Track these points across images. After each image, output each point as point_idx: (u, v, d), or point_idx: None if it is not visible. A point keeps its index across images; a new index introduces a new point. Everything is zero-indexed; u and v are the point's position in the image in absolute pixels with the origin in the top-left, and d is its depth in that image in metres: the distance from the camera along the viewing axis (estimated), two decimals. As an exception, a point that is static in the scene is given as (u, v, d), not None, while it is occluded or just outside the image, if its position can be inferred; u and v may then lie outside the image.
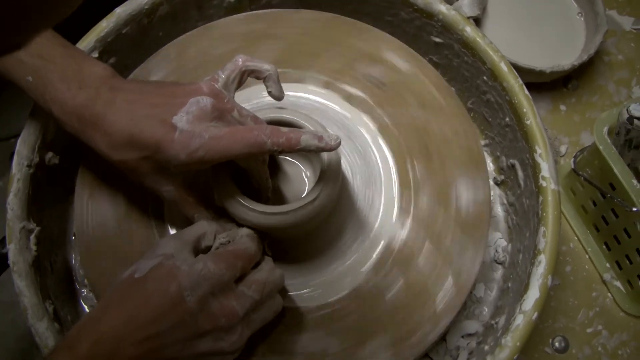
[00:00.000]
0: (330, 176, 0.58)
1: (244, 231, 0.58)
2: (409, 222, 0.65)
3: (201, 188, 0.62)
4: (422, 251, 0.63)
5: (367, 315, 0.62)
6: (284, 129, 0.53)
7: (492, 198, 0.68)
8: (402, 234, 0.64)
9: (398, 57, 0.71)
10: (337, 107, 0.70)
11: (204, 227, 0.57)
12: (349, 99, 0.70)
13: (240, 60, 0.59)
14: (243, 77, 0.59)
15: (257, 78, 0.60)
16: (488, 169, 0.71)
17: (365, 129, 0.69)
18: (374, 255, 0.64)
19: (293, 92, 0.70)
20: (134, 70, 0.72)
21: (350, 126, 0.69)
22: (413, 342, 0.61)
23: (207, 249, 0.57)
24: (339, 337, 0.61)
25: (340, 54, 0.72)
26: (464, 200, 0.65)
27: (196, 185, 0.62)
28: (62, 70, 0.57)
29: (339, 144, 0.54)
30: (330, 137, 0.54)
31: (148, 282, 0.51)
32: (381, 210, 0.65)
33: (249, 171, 0.60)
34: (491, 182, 0.75)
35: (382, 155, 0.67)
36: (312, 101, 0.70)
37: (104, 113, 0.55)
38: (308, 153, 0.57)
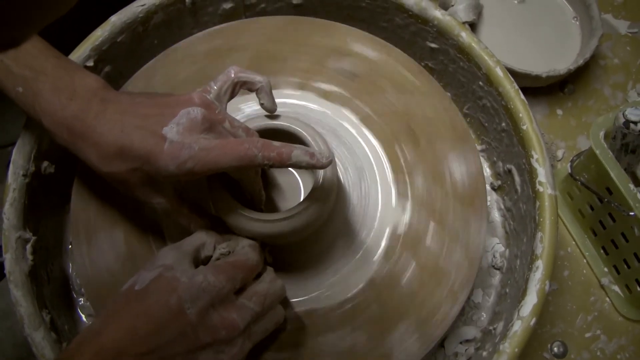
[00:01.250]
0: (320, 195, 0.57)
1: (245, 241, 0.57)
2: (409, 205, 0.65)
3: (192, 197, 0.61)
4: (427, 232, 0.64)
5: (386, 304, 0.61)
6: (276, 143, 0.53)
7: (489, 203, 0.68)
8: (405, 218, 0.64)
9: (366, 47, 0.72)
10: (315, 106, 0.70)
11: (203, 237, 0.57)
12: (326, 95, 0.70)
13: (232, 71, 0.59)
14: (235, 89, 0.59)
15: (250, 90, 0.60)
16: (483, 169, 0.71)
17: (348, 122, 0.69)
18: (382, 243, 0.64)
19: None
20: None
21: (332, 122, 0.69)
22: (437, 320, 0.61)
23: (207, 259, 0.56)
24: (365, 330, 0.61)
25: (307, 54, 0.72)
26: (457, 175, 0.66)
27: (187, 195, 0.61)
28: (54, 81, 0.56)
29: (331, 162, 0.54)
30: (322, 154, 0.53)
31: (148, 294, 0.50)
32: (379, 198, 0.65)
33: (242, 182, 0.60)
34: (488, 188, 0.75)
35: (370, 144, 0.68)
36: (288, 105, 0.70)
37: (95, 125, 0.54)
38: (299, 169, 0.56)
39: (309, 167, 0.54)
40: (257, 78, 0.59)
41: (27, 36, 0.30)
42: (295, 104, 0.70)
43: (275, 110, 0.61)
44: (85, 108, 0.55)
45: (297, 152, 0.53)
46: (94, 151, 0.55)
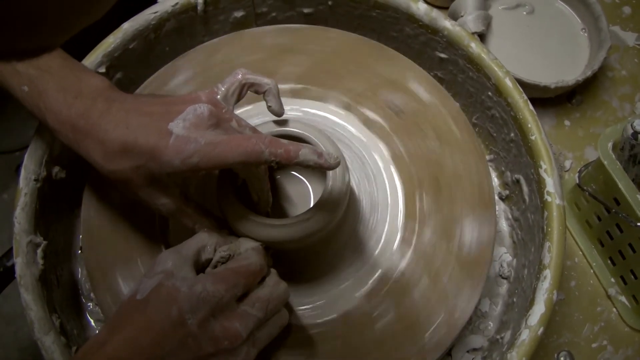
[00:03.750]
0: (328, 203, 0.57)
1: (248, 244, 0.56)
2: (409, 253, 0.64)
3: (196, 197, 0.61)
4: (418, 285, 0.63)
5: (353, 342, 0.61)
6: (284, 141, 0.52)
7: (496, 213, 0.68)
8: (401, 264, 0.64)
9: (421, 87, 0.72)
10: (353, 130, 0.70)
11: (203, 239, 0.56)
12: (367, 123, 0.70)
13: (240, 73, 0.59)
14: (243, 91, 0.59)
15: (257, 92, 0.60)
16: (492, 179, 0.71)
17: (379, 155, 0.68)
18: (369, 282, 0.63)
19: (313, 110, 0.71)
20: (159, 70, 0.73)
21: (364, 151, 0.69)
22: None
23: (208, 262, 0.55)
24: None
25: (364, 78, 0.72)
26: (467, 239, 0.65)
27: (191, 195, 0.61)
28: (60, 80, 0.56)
29: (338, 164, 0.53)
30: (330, 155, 0.53)
31: (149, 305, 0.50)
32: (383, 237, 0.65)
33: (248, 181, 0.59)
34: (496, 197, 0.75)
35: (392, 183, 0.67)
36: (330, 121, 0.70)
37: (99, 122, 0.54)
38: (306, 168, 0.56)
39: (316, 167, 0.53)
40: (265, 80, 0.59)
41: (60, 42, 0.30)
42: (336, 121, 0.70)
43: (283, 113, 0.61)
44: (90, 107, 0.55)
45: (304, 151, 0.52)
46: (98, 149, 0.55)
